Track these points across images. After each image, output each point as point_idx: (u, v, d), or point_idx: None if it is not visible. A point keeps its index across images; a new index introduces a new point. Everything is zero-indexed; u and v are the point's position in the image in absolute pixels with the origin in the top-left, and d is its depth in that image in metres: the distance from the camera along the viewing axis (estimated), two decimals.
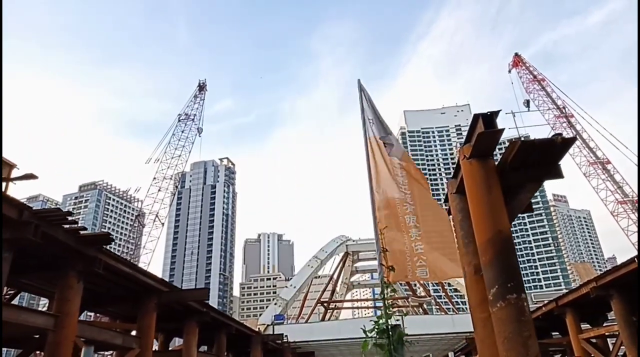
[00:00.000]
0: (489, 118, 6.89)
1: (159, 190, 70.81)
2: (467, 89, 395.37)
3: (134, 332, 14.29)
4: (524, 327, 6.71)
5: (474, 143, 7.11)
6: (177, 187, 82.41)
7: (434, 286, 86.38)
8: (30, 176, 7.48)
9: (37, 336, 10.94)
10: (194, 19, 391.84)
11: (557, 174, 8.05)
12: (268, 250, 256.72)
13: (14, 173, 8.66)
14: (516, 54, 77.60)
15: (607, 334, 19.37)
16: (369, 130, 6.10)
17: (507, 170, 7.63)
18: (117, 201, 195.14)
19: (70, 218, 8.99)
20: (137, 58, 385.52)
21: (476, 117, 7.05)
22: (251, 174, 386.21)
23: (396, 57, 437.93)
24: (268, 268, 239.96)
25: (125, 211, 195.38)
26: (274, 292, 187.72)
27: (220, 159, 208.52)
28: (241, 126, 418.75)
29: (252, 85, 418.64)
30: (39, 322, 9.35)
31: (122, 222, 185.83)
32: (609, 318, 23.26)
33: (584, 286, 17.77)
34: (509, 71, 77.58)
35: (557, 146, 7.45)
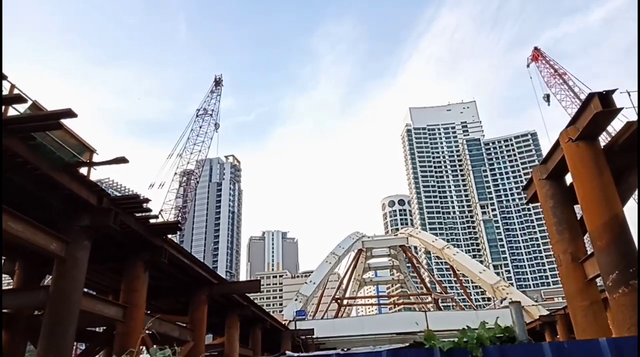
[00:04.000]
0: (606, 97, 6.60)
1: (180, 185, 70.71)
2: (467, 86, 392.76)
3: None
4: None
5: (587, 123, 6.84)
6: (197, 182, 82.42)
7: (451, 283, 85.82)
8: (120, 160, 7.16)
9: (103, 329, 10.73)
10: (193, 18, 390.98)
11: None
12: (273, 248, 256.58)
13: (95, 158, 8.42)
14: (535, 48, 76.69)
15: None
16: None
17: (615, 152, 7.37)
18: None
19: (145, 206, 8.75)
20: (137, 57, 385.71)
21: (591, 96, 6.76)
22: (253, 172, 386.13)
23: (397, 55, 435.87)
24: (272, 266, 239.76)
25: None
26: (281, 290, 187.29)
27: (226, 157, 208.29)
28: (242, 124, 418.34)
29: (253, 84, 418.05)
30: (111, 312, 9.13)
31: None
32: None
33: None
34: (528, 65, 76.84)
35: None
